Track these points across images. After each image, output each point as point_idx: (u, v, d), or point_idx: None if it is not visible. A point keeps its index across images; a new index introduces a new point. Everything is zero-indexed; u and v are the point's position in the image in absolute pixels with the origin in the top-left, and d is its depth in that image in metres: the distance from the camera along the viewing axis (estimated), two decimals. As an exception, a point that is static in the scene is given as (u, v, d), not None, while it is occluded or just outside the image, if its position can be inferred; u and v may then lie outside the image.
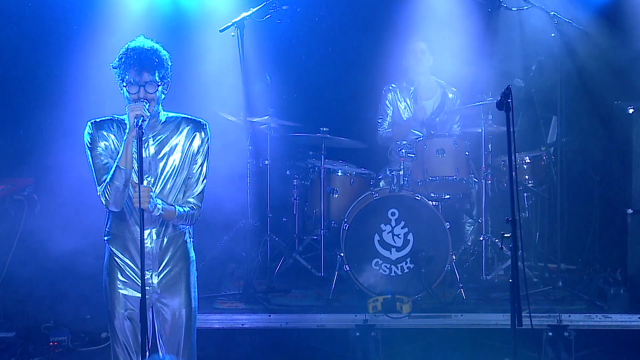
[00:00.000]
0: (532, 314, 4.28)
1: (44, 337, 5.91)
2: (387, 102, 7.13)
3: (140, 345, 3.78)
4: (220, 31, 6.24)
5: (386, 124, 7.13)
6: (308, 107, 7.61)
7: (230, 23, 6.20)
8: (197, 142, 3.94)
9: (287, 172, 7.04)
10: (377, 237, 6.09)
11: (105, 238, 3.97)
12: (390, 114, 7.13)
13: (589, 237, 6.87)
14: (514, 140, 4.17)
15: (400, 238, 6.10)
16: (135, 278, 3.89)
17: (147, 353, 3.77)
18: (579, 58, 6.93)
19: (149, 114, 3.76)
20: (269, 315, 5.86)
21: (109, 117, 3.93)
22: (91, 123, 3.88)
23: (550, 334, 5.73)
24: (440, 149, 6.45)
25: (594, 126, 7.07)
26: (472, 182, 6.51)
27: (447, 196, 6.56)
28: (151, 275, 3.90)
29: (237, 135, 6.69)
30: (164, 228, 3.92)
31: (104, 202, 3.79)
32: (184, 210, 3.87)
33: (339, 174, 6.73)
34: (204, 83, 7.10)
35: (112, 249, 3.93)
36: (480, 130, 6.45)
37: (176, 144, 3.92)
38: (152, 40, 3.89)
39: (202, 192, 3.96)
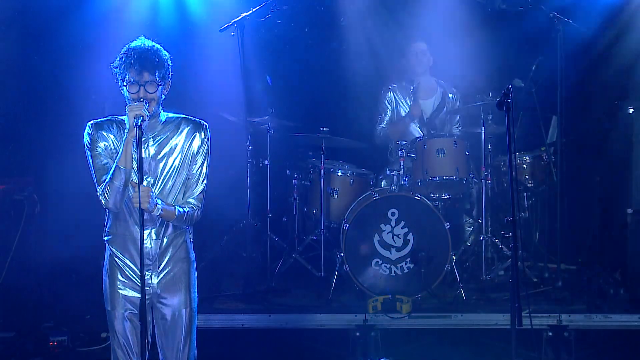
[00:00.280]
0: (532, 314, 4.28)
1: (44, 337, 5.90)
2: (386, 101, 7.13)
3: (140, 346, 3.78)
4: (220, 31, 6.25)
5: (384, 122, 7.13)
6: (308, 107, 7.61)
7: (231, 23, 6.21)
8: (197, 142, 3.94)
9: (287, 172, 7.03)
10: (377, 237, 6.09)
11: (105, 238, 3.97)
12: (389, 113, 7.13)
13: (589, 237, 6.86)
14: (514, 140, 4.17)
15: (400, 238, 6.10)
16: (135, 278, 3.89)
17: (147, 354, 3.77)
18: (579, 58, 6.93)
19: (148, 114, 3.76)
20: (269, 315, 5.86)
21: (108, 118, 3.93)
22: (91, 124, 3.89)
23: (550, 334, 5.72)
24: (440, 149, 6.44)
25: (594, 126, 7.07)
26: (472, 182, 6.52)
27: (447, 196, 6.56)
28: (151, 276, 3.90)
29: (237, 135, 6.69)
30: (163, 228, 3.92)
31: (103, 202, 3.79)
32: (184, 211, 3.87)
33: (339, 174, 6.73)
34: (204, 83, 7.10)
35: (112, 249, 3.93)
36: (480, 130, 6.45)
37: (176, 145, 3.92)
38: (152, 40, 3.89)
39: (202, 192, 3.96)
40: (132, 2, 6.90)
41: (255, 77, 7.12)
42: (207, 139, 3.97)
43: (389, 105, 7.13)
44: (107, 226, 3.95)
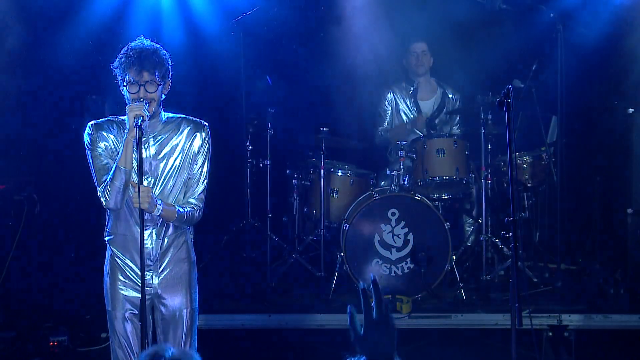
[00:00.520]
0: (532, 314, 4.28)
1: (44, 337, 5.90)
2: (386, 102, 7.13)
3: (140, 346, 3.78)
4: (220, 30, 6.24)
5: (385, 124, 7.13)
6: (308, 107, 7.61)
7: (231, 22, 6.20)
8: (197, 142, 3.94)
9: (287, 172, 7.03)
10: (377, 237, 6.09)
11: (106, 238, 3.97)
12: (389, 114, 7.13)
13: (589, 237, 6.86)
14: (514, 140, 4.17)
15: (400, 238, 6.10)
16: (135, 278, 3.88)
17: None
18: (579, 58, 6.93)
19: (148, 114, 3.76)
20: (269, 315, 5.86)
21: (108, 118, 3.94)
22: (91, 124, 3.89)
23: (550, 334, 5.72)
24: (440, 149, 6.44)
25: (594, 126, 7.07)
26: (472, 182, 6.52)
27: (447, 196, 6.56)
28: (152, 276, 3.90)
29: (237, 135, 6.69)
30: (164, 228, 3.92)
31: (104, 202, 3.79)
32: (185, 211, 3.86)
33: (339, 174, 6.72)
34: (204, 83, 7.09)
35: (113, 249, 3.93)
36: (480, 131, 6.45)
37: (177, 145, 3.92)
38: (152, 40, 3.90)
39: (202, 192, 3.95)
40: (132, 2, 6.90)
41: (255, 77, 7.12)
42: (208, 139, 3.97)
43: (388, 106, 7.13)
44: (108, 226, 3.95)
